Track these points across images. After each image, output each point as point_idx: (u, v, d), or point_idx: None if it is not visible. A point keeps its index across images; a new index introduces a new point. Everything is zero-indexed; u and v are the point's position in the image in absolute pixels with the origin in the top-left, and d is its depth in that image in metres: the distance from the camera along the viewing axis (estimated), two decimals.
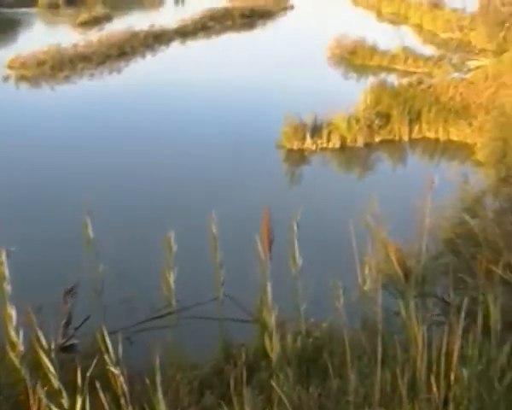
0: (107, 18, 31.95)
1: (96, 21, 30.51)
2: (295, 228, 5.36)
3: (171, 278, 5.69)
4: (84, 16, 30.48)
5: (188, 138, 13.22)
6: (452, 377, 3.60)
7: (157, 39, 25.90)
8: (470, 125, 12.77)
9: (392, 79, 17.37)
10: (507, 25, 22.16)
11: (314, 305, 5.77)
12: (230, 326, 6.38)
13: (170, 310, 5.99)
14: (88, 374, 3.42)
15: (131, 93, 17.50)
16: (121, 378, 3.25)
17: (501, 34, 22.38)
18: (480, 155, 6.85)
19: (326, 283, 5.00)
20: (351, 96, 14.70)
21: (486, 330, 3.92)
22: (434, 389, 3.50)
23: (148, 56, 24.02)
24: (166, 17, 30.02)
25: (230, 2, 36.91)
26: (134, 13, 36.43)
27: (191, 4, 38.52)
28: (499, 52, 20.87)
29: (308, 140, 12.52)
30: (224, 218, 6.19)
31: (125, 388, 3.31)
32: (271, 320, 4.46)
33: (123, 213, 9.80)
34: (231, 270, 6.16)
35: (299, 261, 5.46)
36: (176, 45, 26.19)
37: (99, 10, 32.48)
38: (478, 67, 19.46)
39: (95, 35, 25.03)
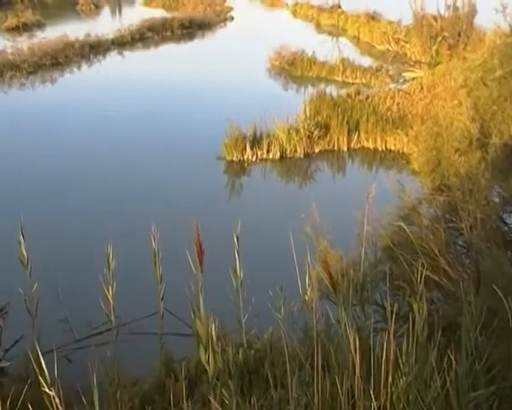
0: (39, 25, 31.20)
1: (25, 28, 29.72)
2: (235, 240, 5.37)
3: (110, 294, 5.58)
4: (11, 21, 29.64)
5: (126, 152, 13.01)
6: (389, 383, 3.67)
7: (93, 49, 25.34)
8: (407, 134, 13.09)
9: (331, 89, 17.57)
10: (439, 39, 22.82)
11: (256, 316, 5.77)
12: (172, 341, 6.31)
13: (109, 327, 5.87)
14: (21, 399, 3.29)
15: (65, 105, 17.12)
16: (57, 400, 3.14)
17: (434, 47, 23.02)
18: (415, 165, 7.01)
19: (267, 294, 4.99)
20: (291, 106, 14.81)
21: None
22: (372, 395, 3.56)
23: (84, 67, 23.54)
24: (103, 27, 29.48)
25: (169, 13, 36.76)
26: (68, 21, 35.49)
27: (129, 14, 38.09)
28: (433, 64, 21.48)
29: (248, 151, 12.55)
30: (164, 231, 6.11)
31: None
32: (205, 334, 4.43)
33: (57, 226, 9.58)
34: (173, 284, 6.10)
35: (240, 273, 5.47)
36: (113, 56, 25.73)
37: (29, 16, 31.51)
38: (413, 79, 19.93)
39: (25, 42, 24.15)
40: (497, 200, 6.16)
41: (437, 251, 5.09)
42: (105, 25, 31.01)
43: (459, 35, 21.81)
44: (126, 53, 26.35)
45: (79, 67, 23.28)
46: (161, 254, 5.76)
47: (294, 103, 15.38)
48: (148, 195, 10.86)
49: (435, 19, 24.03)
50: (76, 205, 10.45)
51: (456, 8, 22.70)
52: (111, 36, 27.45)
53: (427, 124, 8.02)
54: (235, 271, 5.48)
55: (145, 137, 14.10)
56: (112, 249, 5.51)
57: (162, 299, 5.89)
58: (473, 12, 21.86)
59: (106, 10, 45.54)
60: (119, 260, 5.74)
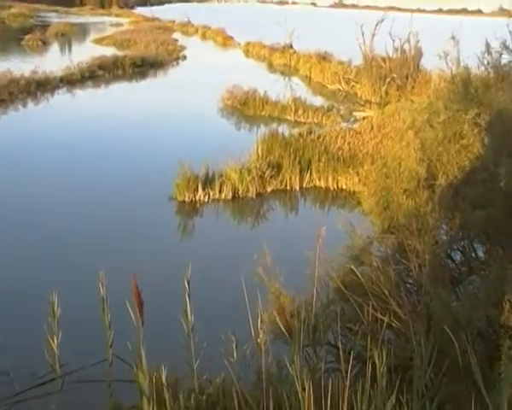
0: None
1: None
2: (186, 283, 5.30)
3: (55, 343, 5.41)
4: None
5: (73, 194, 12.69)
6: None
7: (40, 87, 24.83)
8: (358, 174, 13.26)
9: (284, 129, 17.77)
10: (388, 80, 23.46)
11: (208, 360, 5.68)
12: (123, 388, 6.14)
13: (53, 376, 5.68)
14: None
15: (7, 145, 16.54)
16: None
17: (383, 88, 23.63)
18: (365, 205, 7.08)
19: (220, 337, 4.93)
20: (243, 146, 14.86)
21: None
22: None
23: (30, 105, 23.00)
24: (51, 64, 29.09)
25: (121, 51, 36.70)
26: (13, 56, 35.09)
27: (79, 52, 37.76)
28: (382, 104, 22.01)
29: (200, 192, 12.48)
30: (114, 276, 5.99)
31: None
32: (145, 383, 4.33)
33: None
34: (122, 330, 5.97)
35: (191, 317, 5.39)
36: (62, 94, 25.29)
37: None
38: (364, 118, 20.35)
39: None
40: (444, 238, 6.26)
41: (387, 292, 5.12)
42: (53, 62, 30.52)
43: (407, 77, 22.45)
44: (76, 91, 26.01)
45: (25, 105, 22.74)
46: (110, 300, 5.63)
47: (247, 143, 15.46)
48: (97, 238, 10.59)
49: (384, 60, 24.75)
50: (19, 251, 10.01)
51: (403, 51, 23.40)
52: (60, 73, 27.08)
53: (376, 165, 8.14)
54: (186, 315, 5.40)
55: (94, 178, 13.82)
56: (57, 297, 5.36)
57: (111, 346, 5.74)
58: (419, 55, 22.57)
59: (54, 47, 45.09)
60: (68, 308, 5.58)
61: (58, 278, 8.51)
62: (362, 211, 7.76)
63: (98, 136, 17.95)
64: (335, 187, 13.83)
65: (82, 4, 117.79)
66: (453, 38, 11.74)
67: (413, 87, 21.67)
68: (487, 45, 7.97)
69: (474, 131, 5.80)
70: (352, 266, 5.61)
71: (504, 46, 7.78)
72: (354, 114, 21.88)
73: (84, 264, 9.00)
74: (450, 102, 6.26)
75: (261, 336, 5.08)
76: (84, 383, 6.33)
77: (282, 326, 5.89)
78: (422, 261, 5.33)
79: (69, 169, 14.31)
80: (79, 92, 25.93)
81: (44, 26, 56.09)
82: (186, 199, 12.49)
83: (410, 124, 8.25)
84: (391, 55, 24.51)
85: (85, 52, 34.97)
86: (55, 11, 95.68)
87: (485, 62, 7.85)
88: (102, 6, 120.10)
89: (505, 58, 7.86)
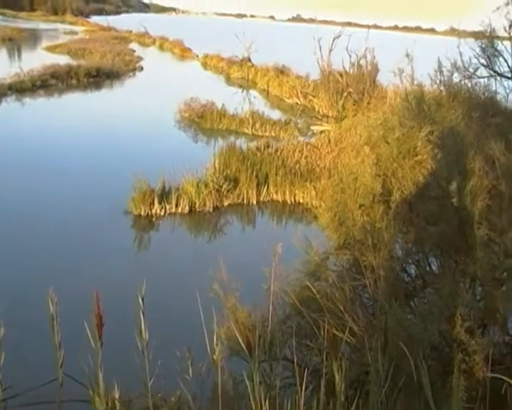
0: None
1: None
2: (140, 300, 5.21)
3: None
4: None
5: (23, 208, 12.33)
6: None
7: None
8: (315, 188, 13.34)
9: (241, 142, 17.79)
10: (345, 94, 23.74)
11: (163, 379, 5.60)
12: (75, 408, 6.00)
13: None
14: None
15: None
16: None
17: (340, 102, 23.90)
18: (321, 220, 7.12)
19: (175, 355, 4.87)
20: (200, 159, 14.82)
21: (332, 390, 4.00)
22: None
23: None
24: None
25: (75, 61, 36.09)
26: None
27: (30, 59, 36.72)
28: (339, 118, 22.26)
29: (156, 205, 12.35)
30: (66, 292, 5.87)
31: None
32: (102, 407, 4.24)
33: None
34: (73, 350, 5.85)
35: (146, 334, 5.31)
36: (10, 102, 24.48)
37: None
38: (321, 132, 20.54)
39: None
40: (400, 252, 6.34)
41: (342, 308, 5.15)
42: (1, 69, 29.46)
43: (363, 92, 22.75)
44: (26, 100, 25.20)
45: None
46: (61, 318, 5.50)
47: (204, 156, 15.41)
48: (49, 253, 10.32)
49: (341, 75, 25.06)
50: None
51: (360, 67, 23.73)
52: (8, 81, 26.15)
53: (332, 179, 8.21)
54: (141, 332, 5.31)
55: (46, 191, 13.49)
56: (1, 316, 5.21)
57: (61, 366, 5.61)
58: (375, 71, 22.91)
59: (2, 53, 43.97)
60: (14, 328, 5.41)
61: (5, 296, 8.29)
62: (319, 225, 7.81)
63: (50, 147, 17.55)
64: (292, 201, 13.88)
65: (32, 9, 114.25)
66: (407, 55, 11.96)
67: (369, 102, 21.95)
68: (439, 64, 8.15)
69: (427, 148, 5.90)
70: (308, 283, 5.62)
71: (455, 66, 7.97)
72: (312, 127, 22.06)
73: (34, 281, 8.78)
74: (405, 119, 6.36)
75: (217, 352, 5.04)
76: (32, 405, 6.19)
77: (238, 342, 5.85)
78: (377, 276, 5.38)
79: (17, 182, 13.89)
80: (30, 101, 25.13)
81: None
82: (142, 213, 12.32)
83: (365, 139, 8.36)
84: (348, 70, 24.82)
85: (36, 59, 33.93)
86: (2, 14, 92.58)
87: (438, 81, 8.03)
88: (55, 13, 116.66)
89: (456, 77, 8.06)
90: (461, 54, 8.49)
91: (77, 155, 16.73)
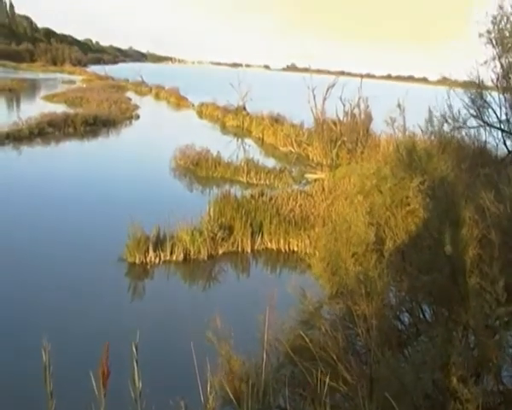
0: None
1: None
2: (134, 349, 5.22)
3: None
4: None
5: (16, 256, 12.31)
6: None
7: None
8: (309, 236, 13.39)
9: (236, 190, 17.90)
10: (339, 143, 24.00)
11: None
12: None
13: None
14: None
15: None
16: None
17: (334, 151, 24.15)
18: (314, 270, 7.16)
19: (168, 403, 4.86)
20: (195, 207, 14.92)
21: None
22: None
23: None
24: None
25: (72, 109, 36.42)
26: None
27: (28, 108, 37.01)
28: (333, 167, 22.45)
29: (151, 253, 12.36)
30: (60, 340, 5.87)
31: None
32: None
33: None
34: (67, 399, 5.82)
35: (139, 383, 5.29)
36: (8, 150, 24.61)
37: None
38: (315, 180, 20.69)
39: None
40: (393, 300, 6.37)
41: (335, 357, 5.16)
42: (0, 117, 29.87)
43: (357, 140, 23.01)
44: (23, 148, 25.39)
45: None
46: (55, 367, 5.49)
47: (199, 204, 15.52)
48: (43, 301, 10.26)
49: (335, 124, 25.35)
50: None
51: (353, 116, 24.04)
52: (6, 129, 26.44)
53: (325, 228, 8.28)
54: (134, 381, 5.30)
55: (41, 238, 13.50)
56: None
57: None
58: (369, 119, 23.20)
59: (2, 102, 44.44)
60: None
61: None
62: (313, 273, 7.84)
63: (46, 194, 17.63)
64: (287, 249, 13.89)
65: (32, 60, 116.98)
66: (399, 106, 12.19)
67: (362, 151, 22.19)
68: (430, 115, 8.32)
69: (418, 198, 5.99)
70: (301, 331, 5.64)
71: (445, 117, 8.14)
72: (306, 176, 22.22)
73: (29, 330, 8.74)
74: (397, 169, 6.47)
75: (210, 401, 5.04)
76: None
77: (231, 390, 5.84)
78: (370, 325, 5.40)
79: (13, 230, 13.95)
80: (27, 149, 25.33)
81: None
82: (136, 260, 12.32)
83: (359, 188, 8.47)
84: (341, 119, 25.12)
85: (35, 109, 34.47)
86: (3, 66, 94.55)
87: (429, 131, 8.19)
88: (54, 63, 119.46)
89: (447, 127, 8.23)
90: (451, 104, 8.69)
91: (73, 203, 16.78)
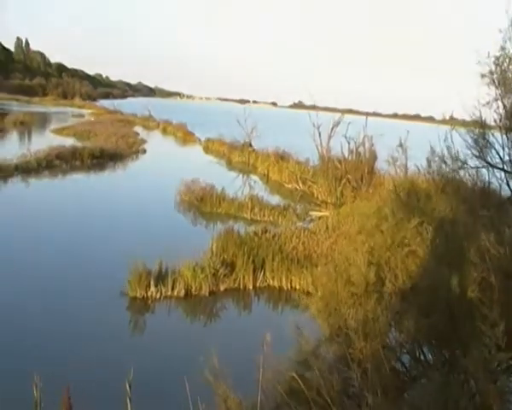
0: None
1: None
2: (128, 387, 5.15)
3: None
4: None
5: (18, 288, 12.31)
6: None
7: None
8: (311, 274, 13.29)
9: (239, 226, 17.88)
10: (344, 181, 24.02)
11: None
12: None
13: None
14: None
15: None
16: None
17: (339, 189, 24.15)
18: (312, 309, 7.10)
19: None
20: (198, 243, 14.91)
21: None
22: None
23: None
24: (7, 151, 28.85)
25: (80, 143, 36.76)
26: None
27: (38, 141, 37.66)
28: (338, 205, 22.41)
29: (152, 288, 12.28)
30: (58, 377, 5.82)
31: None
32: None
33: None
34: None
35: None
36: (16, 182, 24.89)
37: None
38: (320, 218, 20.65)
39: None
40: (392, 342, 6.28)
41: (329, 400, 5.07)
42: (10, 150, 30.24)
43: (361, 178, 23.00)
44: (31, 180, 25.61)
45: None
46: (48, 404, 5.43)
47: (202, 239, 15.50)
48: (43, 334, 10.23)
49: (340, 162, 25.38)
50: None
51: (358, 154, 24.09)
52: (15, 161, 26.78)
53: (325, 267, 8.23)
54: None
55: (43, 271, 13.47)
56: None
57: None
58: (373, 158, 23.24)
59: (12, 135, 44.95)
60: None
61: None
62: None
63: (50, 227, 17.65)
64: (289, 287, 13.78)
65: (44, 94, 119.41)
66: (401, 145, 12.18)
67: (368, 188, 22.19)
68: (431, 154, 8.30)
69: (417, 239, 5.94)
70: (296, 374, 5.56)
71: (446, 156, 8.11)
72: (310, 213, 22.18)
73: (25, 364, 8.65)
74: (396, 209, 6.44)
75: None
76: None
77: None
78: (366, 368, 5.33)
79: (17, 262, 13.97)
80: (34, 181, 25.55)
81: (3, 115, 56.20)
82: (138, 295, 12.25)
83: (359, 228, 8.42)
84: (346, 157, 25.18)
85: (44, 141, 34.96)
86: (16, 100, 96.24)
87: (430, 171, 8.15)
88: (65, 97, 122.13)
89: (448, 167, 8.18)
90: (452, 144, 8.67)
91: (76, 236, 16.80)
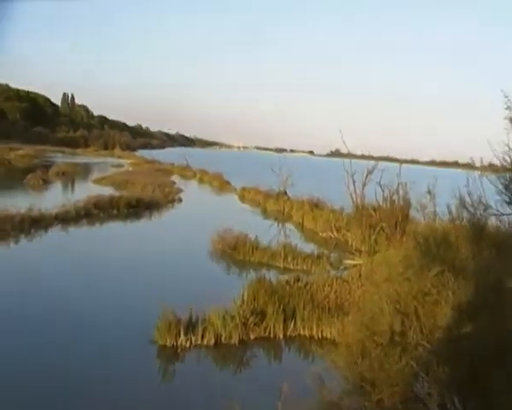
0: None
1: None
2: None
3: None
4: None
5: (52, 334, 12.54)
6: None
7: (34, 224, 25.18)
8: (342, 323, 13.11)
9: (272, 275, 17.82)
10: (378, 228, 23.79)
11: None
12: None
13: None
14: None
15: None
16: None
17: (373, 237, 23.93)
18: (336, 359, 7.00)
19: None
20: (229, 291, 14.90)
21: None
22: None
23: (23, 241, 23.19)
24: (48, 201, 29.67)
25: (118, 192, 37.44)
26: (13, 195, 35.83)
27: (78, 191, 38.64)
28: (372, 253, 22.16)
29: (182, 337, 12.26)
30: None
31: None
32: None
33: None
34: None
35: None
36: (55, 231, 25.50)
37: None
38: (354, 266, 20.44)
39: None
40: (420, 392, 6.16)
41: None
42: (51, 200, 31.00)
43: (395, 226, 22.76)
44: (70, 229, 26.21)
45: (17, 242, 22.86)
46: None
47: (233, 288, 15.49)
48: (73, 380, 10.32)
49: (374, 209, 25.20)
50: None
51: (392, 201, 23.90)
52: (55, 211, 27.45)
53: (353, 316, 8.15)
54: None
55: (76, 318, 13.63)
56: None
57: None
58: (408, 205, 23.00)
59: (55, 186, 46.14)
60: None
61: None
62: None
63: (86, 275, 17.91)
64: (319, 336, 13.61)
65: (86, 146, 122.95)
66: (429, 192, 12.05)
67: (402, 236, 21.89)
68: (461, 201, 8.21)
69: (438, 288, 5.86)
70: None
71: (476, 203, 8.01)
72: (344, 262, 21.99)
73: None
74: (419, 257, 6.38)
75: None
76: None
77: None
78: None
79: (54, 309, 14.27)
80: (73, 230, 26.14)
81: (48, 166, 57.95)
82: (167, 343, 12.25)
83: (386, 275, 8.34)
84: (381, 204, 24.98)
85: (83, 191, 35.94)
86: (61, 152, 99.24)
87: (460, 218, 8.05)
88: (106, 148, 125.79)
89: (478, 213, 8.06)
90: (483, 190, 8.56)
91: (110, 282, 17.07)
